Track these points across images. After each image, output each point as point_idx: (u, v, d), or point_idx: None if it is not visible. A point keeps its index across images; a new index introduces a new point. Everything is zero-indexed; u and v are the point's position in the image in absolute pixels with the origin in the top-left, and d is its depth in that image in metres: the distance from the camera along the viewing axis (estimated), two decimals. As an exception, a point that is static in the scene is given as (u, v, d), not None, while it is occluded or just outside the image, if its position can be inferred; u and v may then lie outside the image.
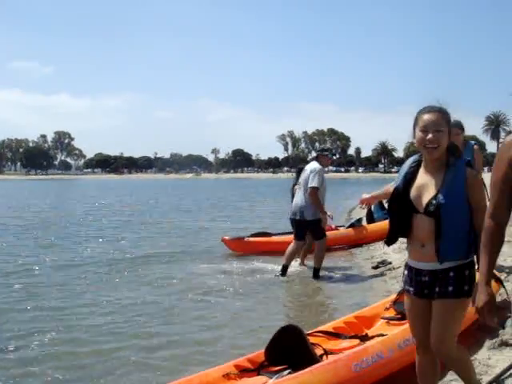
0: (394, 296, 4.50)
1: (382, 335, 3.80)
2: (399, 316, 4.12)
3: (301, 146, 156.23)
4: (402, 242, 3.03)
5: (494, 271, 2.36)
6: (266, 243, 9.69)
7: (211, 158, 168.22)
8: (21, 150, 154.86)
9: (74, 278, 7.72)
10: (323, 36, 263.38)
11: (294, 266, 7.97)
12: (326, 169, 7.74)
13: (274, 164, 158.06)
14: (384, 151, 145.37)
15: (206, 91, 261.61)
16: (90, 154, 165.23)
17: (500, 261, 5.44)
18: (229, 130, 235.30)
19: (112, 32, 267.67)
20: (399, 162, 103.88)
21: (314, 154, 11.36)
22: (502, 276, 5.01)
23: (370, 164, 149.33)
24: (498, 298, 4.05)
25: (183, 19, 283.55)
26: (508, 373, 3.30)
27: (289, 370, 3.23)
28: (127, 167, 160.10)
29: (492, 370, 3.43)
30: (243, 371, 3.31)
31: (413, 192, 2.65)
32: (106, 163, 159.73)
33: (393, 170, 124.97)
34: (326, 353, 3.55)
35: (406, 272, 2.77)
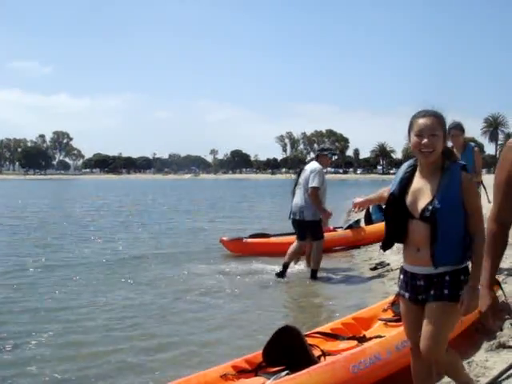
0: (392, 297, 4.49)
1: (380, 337, 3.81)
2: (397, 317, 4.11)
3: (299, 147, 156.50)
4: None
5: None
6: (264, 244, 9.68)
7: (210, 158, 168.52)
8: (19, 149, 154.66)
9: (71, 279, 7.71)
10: (323, 37, 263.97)
11: (294, 267, 7.97)
12: (324, 170, 7.74)
13: (272, 165, 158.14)
14: (382, 153, 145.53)
15: (205, 92, 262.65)
16: (88, 154, 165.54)
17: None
18: (227, 130, 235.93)
19: (111, 32, 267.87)
20: (398, 164, 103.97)
21: (312, 155, 11.33)
22: (500, 278, 5.02)
23: (368, 165, 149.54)
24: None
25: (183, 19, 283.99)
26: (505, 375, 3.30)
27: (286, 371, 3.23)
28: (126, 167, 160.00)
29: (489, 372, 3.43)
30: (241, 372, 3.31)
31: (408, 197, 2.65)
32: (105, 163, 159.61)
33: (391, 171, 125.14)
34: (324, 354, 3.55)
35: (401, 276, 2.77)
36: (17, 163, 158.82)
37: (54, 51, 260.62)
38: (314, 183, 7.41)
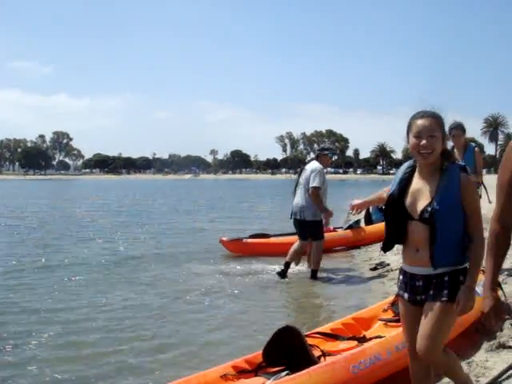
0: (392, 298, 4.49)
1: (380, 337, 3.80)
2: (397, 318, 4.10)
3: (299, 147, 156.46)
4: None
5: None
6: (264, 244, 9.67)
7: (209, 158, 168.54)
8: (19, 149, 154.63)
9: (71, 279, 7.70)
10: (323, 37, 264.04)
11: (294, 267, 7.96)
12: (325, 170, 7.73)
13: (272, 165, 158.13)
14: (382, 153, 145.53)
15: (205, 92, 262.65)
16: (88, 154, 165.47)
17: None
18: (227, 130, 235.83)
19: (111, 32, 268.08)
20: (398, 164, 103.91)
21: (312, 155, 11.35)
22: (500, 278, 5.01)
23: (368, 165, 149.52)
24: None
25: (183, 19, 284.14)
26: (506, 375, 3.30)
27: (286, 372, 3.23)
28: (126, 168, 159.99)
29: (489, 372, 3.43)
30: (241, 372, 3.31)
31: (408, 198, 2.65)
32: (105, 163, 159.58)
33: (391, 171, 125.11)
34: (324, 354, 3.55)
35: (400, 277, 2.77)
36: (17, 163, 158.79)
37: (53, 51, 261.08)
38: (314, 183, 7.41)
